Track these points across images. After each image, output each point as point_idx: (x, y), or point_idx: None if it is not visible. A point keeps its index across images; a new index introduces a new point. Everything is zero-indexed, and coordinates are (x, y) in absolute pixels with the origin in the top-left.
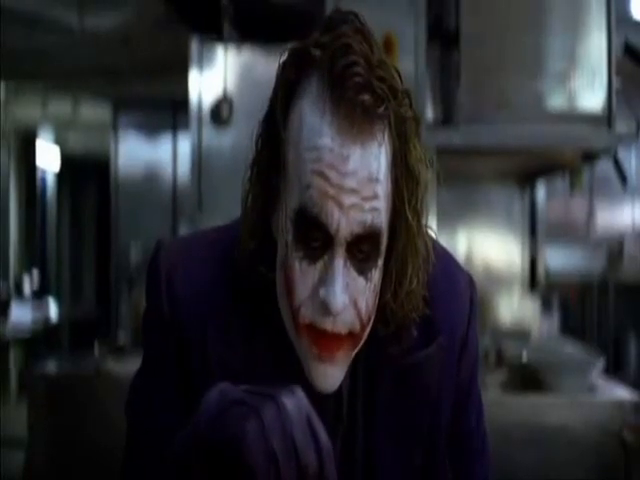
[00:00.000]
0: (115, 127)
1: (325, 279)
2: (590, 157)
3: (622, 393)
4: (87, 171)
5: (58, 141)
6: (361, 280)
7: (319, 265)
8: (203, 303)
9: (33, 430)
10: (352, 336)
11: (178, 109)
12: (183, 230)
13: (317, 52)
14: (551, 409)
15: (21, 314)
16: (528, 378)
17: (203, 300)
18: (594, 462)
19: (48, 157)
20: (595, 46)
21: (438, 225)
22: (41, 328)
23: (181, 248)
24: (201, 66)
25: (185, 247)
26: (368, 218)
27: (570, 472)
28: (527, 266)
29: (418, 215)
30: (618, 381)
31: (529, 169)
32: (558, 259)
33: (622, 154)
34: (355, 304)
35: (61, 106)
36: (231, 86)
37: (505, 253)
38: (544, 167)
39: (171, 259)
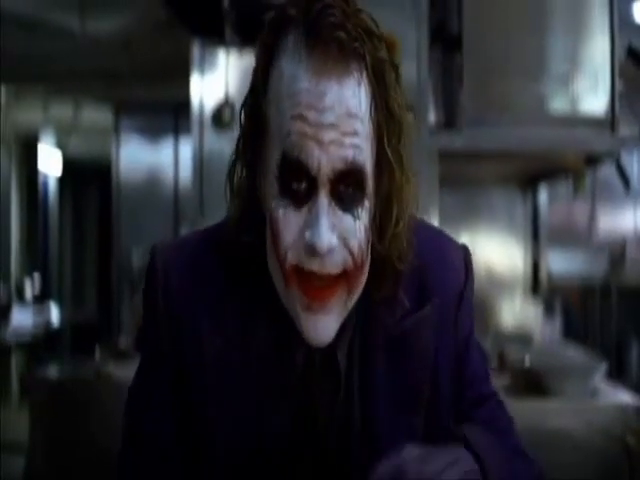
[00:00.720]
0: (117, 131)
1: (310, 221)
2: (593, 161)
3: (625, 397)
4: (89, 175)
5: (59, 145)
6: (348, 218)
7: (304, 210)
8: (198, 294)
9: (34, 434)
10: (346, 276)
11: (180, 113)
12: (184, 233)
13: (292, 11)
14: (554, 414)
15: (22, 318)
16: (531, 382)
17: (198, 291)
18: (597, 467)
19: (50, 161)
20: (598, 49)
21: (440, 228)
22: (42, 332)
23: (176, 245)
24: (203, 70)
25: (179, 243)
26: (349, 154)
27: (573, 477)
28: (529, 270)
29: (400, 156)
30: (621, 385)
31: (532, 173)
32: (560, 263)
33: (624, 158)
34: (346, 243)
35: (62, 110)
36: (233, 90)
37: (507, 257)
38: (547, 171)
39: (166, 256)
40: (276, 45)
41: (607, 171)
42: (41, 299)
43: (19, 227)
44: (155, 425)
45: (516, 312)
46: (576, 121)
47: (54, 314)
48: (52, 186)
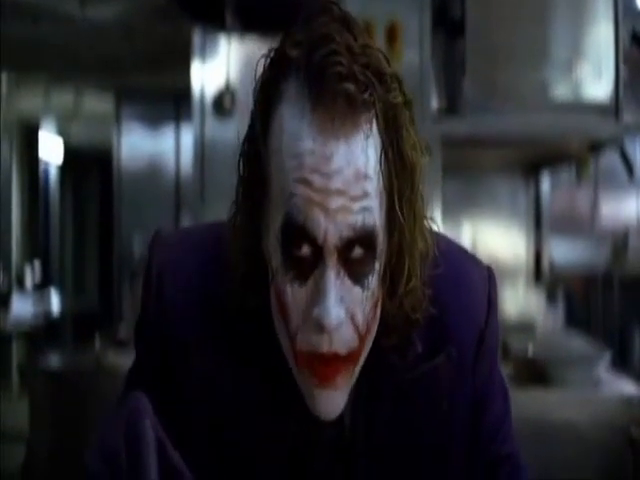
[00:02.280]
0: (118, 119)
1: (317, 296)
2: (597, 147)
3: (629, 388)
4: (90, 163)
5: (61, 133)
6: (357, 290)
7: (310, 283)
8: (191, 316)
9: (33, 424)
10: (351, 355)
11: (181, 100)
12: (186, 222)
13: (293, 52)
14: (557, 405)
15: (22, 307)
16: (534, 372)
17: (191, 313)
18: (601, 458)
19: (51, 149)
20: (602, 36)
21: (442, 217)
22: (42, 321)
23: (176, 247)
24: (204, 57)
25: (180, 246)
26: (359, 219)
27: (576, 469)
28: (532, 258)
29: (413, 207)
30: (624, 375)
31: (534, 160)
32: (562, 251)
33: (628, 145)
34: (352, 319)
35: (63, 97)
36: (234, 77)
37: (509, 245)
38: (550, 158)
39: (164, 257)
40: (276, 89)
41: (610, 158)
42: (42, 287)
43: (20, 215)
44: None
45: (519, 301)
46: (580, 107)
47: (55, 302)
48: (53, 173)
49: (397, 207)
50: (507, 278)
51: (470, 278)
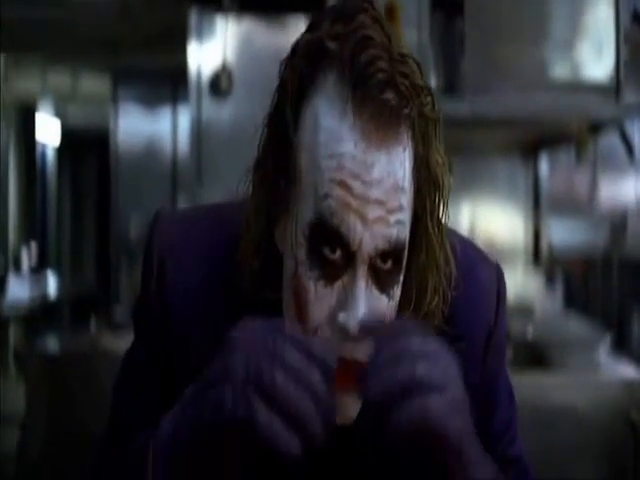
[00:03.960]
0: (115, 99)
1: (345, 302)
2: (597, 128)
3: (629, 371)
4: (87, 144)
5: (58, 114)
6: (383, 299)
7: (337, 286)
8: (194, 305)
9: (29, 407)
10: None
11: (178, 81)
12: (182, 202)
13: (332, 45)
14: (556, 389)
15: (19, 290)
16: (533, 355)
17: (195, 302)
18: (601, 443)
19: (48, 130)
20: (602, 15)
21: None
22: (39, 304)
23: (179, 229)
24: (200, 37)
25: (183, 229)
26: (393, 232)
27: (576, 453)
28: (530, 240)
29: (440, 225)
30: (624, 357)
31: (534, 140)
32: (561, 233)
33: (627, 126)
34: None
35: (60, 79)
36: (231, 57)
37: (508, 227)
38: (550, 138)
39: (166, 241)
40: (311, 80)
41: (609, 140)
42: (38, 269)
43: (17, 197)
44: (138, 418)
45: (517, 284)
46: (580, 87)
47: (52, 284)
48: (50, 155)
49: (429, 225)
50: (506, 260)
51: (479, 275)
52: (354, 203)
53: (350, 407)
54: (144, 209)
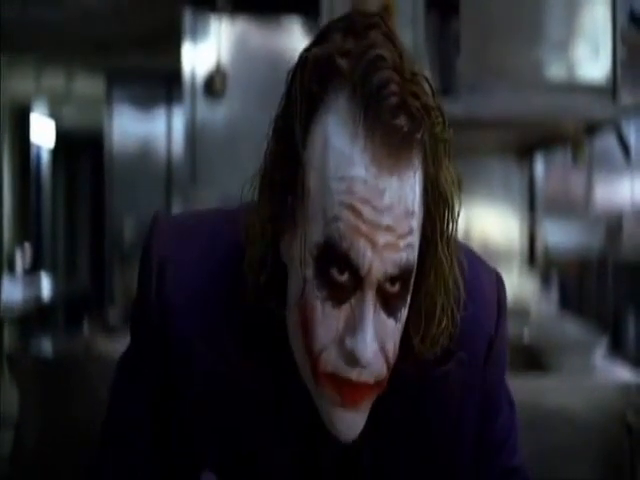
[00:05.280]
0: (109, 101)
1: (353, 326)
2: (593, 129)
3: (625, 374)
4: (81, 145)
5: (52, 115)
6: (391, 322)
7: (345, 308)
8: (195, 315)
9: (22, 410)
10: (378, 383)
11: (172, 82)
12: (177, 204)
13: (343, 62)
14: (552, 391)
15: (12, 292)
16: (529, 358)
17: (196, 311)
18: (597, 446)
19: (42, 132)
20: (599, 15)
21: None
22: (33, 306)
23: (178, 235)
24: (194, 38)
25: (183, 235)
26: (403, 257)
27: (572, 455)
28: (526, 242)
29: (449, 246)
30: (619, 360)
31: (530, 141)
32: (557, 235)
33: (623, 127)
34: (383, 350)
35: (55, 80)
36: (225, 58)
37: (503, 229)
38: (545, 139)
39: (165, 248)
40: (321, 97)
41: (604, 141)
42: (32, 271)
43: (11, 198)
44: (131, 425)
45: (513, 285)
46: (576, 88)
47: (45, 286)
48: (45, 156)
49: (439, 246)
50: (501, 262)
51: (480, 283)
52: (364, 228)
53: (355, 424)
54: (138, 210)
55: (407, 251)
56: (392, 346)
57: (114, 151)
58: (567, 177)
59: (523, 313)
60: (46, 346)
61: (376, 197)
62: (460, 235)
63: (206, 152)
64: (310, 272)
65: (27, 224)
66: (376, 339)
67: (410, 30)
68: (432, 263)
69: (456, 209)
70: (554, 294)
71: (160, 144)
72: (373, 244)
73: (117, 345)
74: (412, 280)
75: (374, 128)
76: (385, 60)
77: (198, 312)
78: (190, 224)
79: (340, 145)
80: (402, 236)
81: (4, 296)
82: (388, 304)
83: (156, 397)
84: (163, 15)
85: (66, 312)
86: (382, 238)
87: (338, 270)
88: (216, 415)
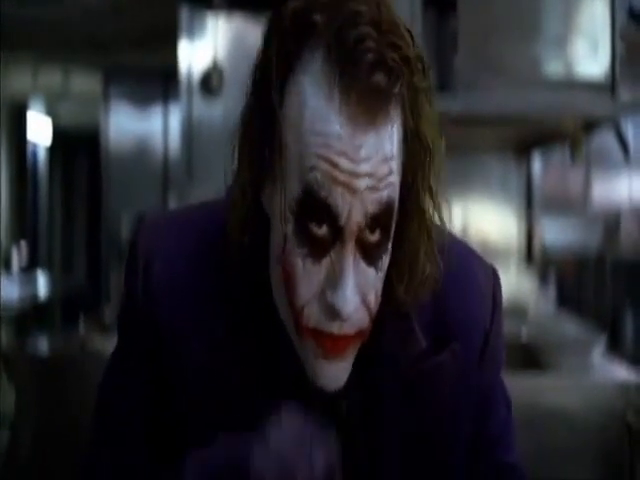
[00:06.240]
0: (106, 98)
1: (333, 280)
2: (591, 126)
3: (625, 373)
4: (78, 143)
5: (49, 112)
6: (371, 271)
7: (325, 263)
8: (183, 307)
9: (18, 409)
10: (360, 333)
11: (169, 79)
12: (174, 201)
13: (319, 18)
14: (550, 390)
15: (9, 290)
16: (527, 357)
17: (183, 304)
18: (596, 445)
19: (39, 129)
20: (598, 11)
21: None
22: (29, 304)
23: (163, 231)
24: (191, 35)
25: (168, 231)
26: (384, 195)
27: (571, 455)
28: (523, 240)
29: (432, 192)
30: (617, 359)
31: (527, 139)
32: (554, 233)
33: (622, 125)
34: (365, 301)
35: (52, 77)
36: (221, 55)
37: (501, 227)
38: (543, 137)
39: (150, 244)
40: (297, 56)
41: (602, 139)
42: (29, 269)
43: (7, 196)
44: (125, 425)
45: (510, 284)
46: (574, 85)
47: (42, 284)
48: (41, 154)
49: (420, 192)
50: (499, 260)
51: (475, 277)
52: (341, 176)
53: (338, 373)
54: (135, 208)
55: (388, 189)
56: (374, 296)
57: (110, 148)
58: (565, 175)
59: (521, 312)
60: (42, 344)
61: (352, 151)
62: (458, 232)
63: (203, 149)
64: (290, 228)
65: (23, 222)
66: (357, 291)
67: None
68: (413, 210)
69: (437, 154)
70: (552, 292)
71: (157, 141)
72: (352, 190)
73: (113, 343)
74: (393, 225)
75: (350, 88)
76: (361, 15)
77: (185, 304)
78: (175, 219)
79: (316, 105)
80: (382, 178)
81: (1, 295)
82: (368, 254)
83: (148, 392)
84: (160, 13)
85: (62, 310)
86: (362, 183)
87: (317, 223)
88: (209, 403)
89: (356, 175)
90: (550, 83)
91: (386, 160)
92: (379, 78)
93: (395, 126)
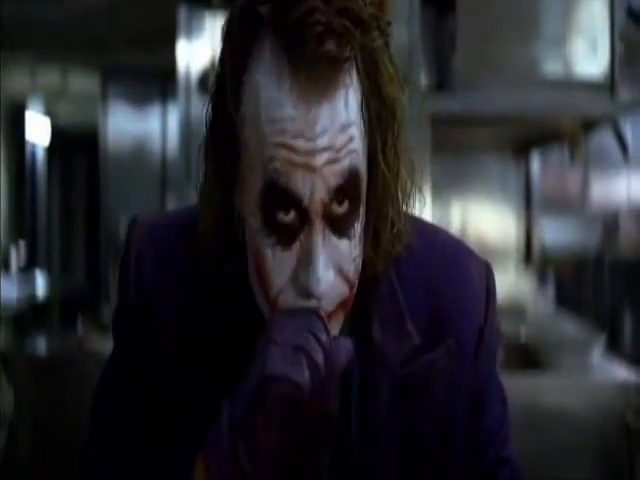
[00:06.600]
0: (104, 98)
1: (305, 262)
2: (590, 126)
3: (624, 373)
4: (77, 142)
5: (48, 112)
6: (344, 243)
7: (295, 247)
8: (171, 298)
9: (17, 409)
10: (341, 305)
11: (167, 79)
12: (172, 201)
13: (264, 9)
14: (549, 390)
15: (7, 290)
16: (526, 357)
17: (172, 295)
18: (595, 445)
19: (38, 128)
20: (597, 10)
21: (431, 197)
22: (28, 304)
23: (154, 232)
24: (189, 35)
25: (158, 232)
26: (345, 164)
27: (571, 455)
28: (522, 240)
29: (396, 148)
30: (616, 359)
31: (526, 138)
32: (553, 233)
33: (620, 124)
34: (341, 272)
35: (50, 77)
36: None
37: (500, 226)
38: (542, 136)
39: (142, 246)
40: (249, 53)
41: (600, 138)
42: (27, 269)
43: (6, 196)
44: (122, 425)
45: (509, 284)
46: (573, 84)
47: (40, 284)
48: (40, 154)
49: (387, 153)
50: (497, 260)
51: (468, 272)
52: (298, 159)
53: None
54: (133, 208)
55: (350, 156)
56: (351, 265)
57: (109, 148)
58: (564, 175)
59: (520, 311)
60: (41, 344)
61: (307, 129)
62: (456, 232)
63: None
64: (258, 221)
65: (22, 222)
66: (331, 267)
67: (406, 27)
68: (378, 173)
69: (399, 111)
70: (550, 292)
71: (155, 141)
72: (311, 169)
73: (112, 343)
74: (361, 192)
75: (299, 66)
76: None
77: (175, 296)
78: (166, 221)
79: (269, 93)
80: (341, 148)
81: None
82: (338, 226)
83: (144, 391)
84: (158, 12)
85: (61, 310)
86: (320, 159)
87: (284, 211)
88: (203, 397)
89: (313, 153)
90: (549, 83)
91: (344, 128)
92: (329, 47)
93: (350, 90)
